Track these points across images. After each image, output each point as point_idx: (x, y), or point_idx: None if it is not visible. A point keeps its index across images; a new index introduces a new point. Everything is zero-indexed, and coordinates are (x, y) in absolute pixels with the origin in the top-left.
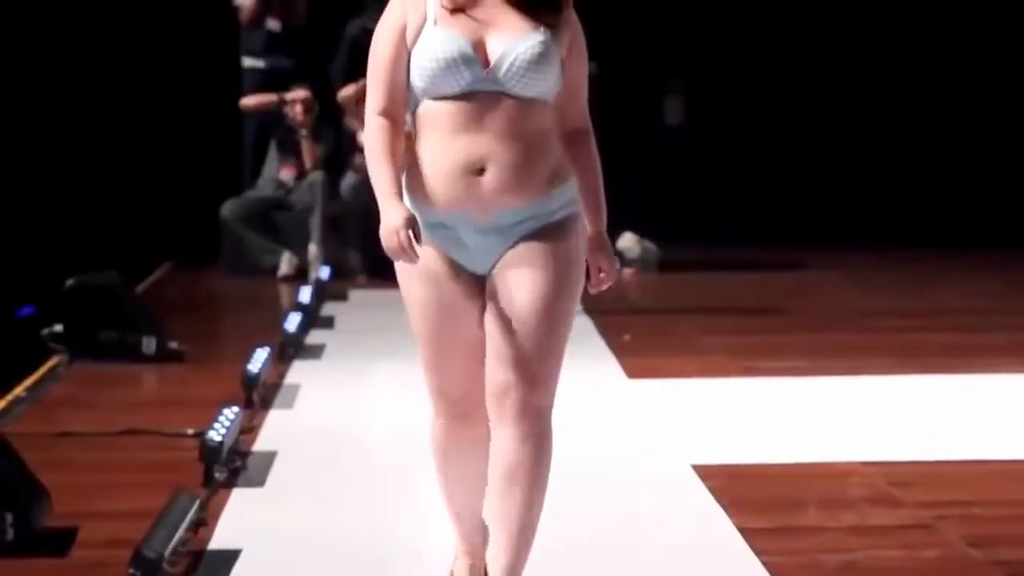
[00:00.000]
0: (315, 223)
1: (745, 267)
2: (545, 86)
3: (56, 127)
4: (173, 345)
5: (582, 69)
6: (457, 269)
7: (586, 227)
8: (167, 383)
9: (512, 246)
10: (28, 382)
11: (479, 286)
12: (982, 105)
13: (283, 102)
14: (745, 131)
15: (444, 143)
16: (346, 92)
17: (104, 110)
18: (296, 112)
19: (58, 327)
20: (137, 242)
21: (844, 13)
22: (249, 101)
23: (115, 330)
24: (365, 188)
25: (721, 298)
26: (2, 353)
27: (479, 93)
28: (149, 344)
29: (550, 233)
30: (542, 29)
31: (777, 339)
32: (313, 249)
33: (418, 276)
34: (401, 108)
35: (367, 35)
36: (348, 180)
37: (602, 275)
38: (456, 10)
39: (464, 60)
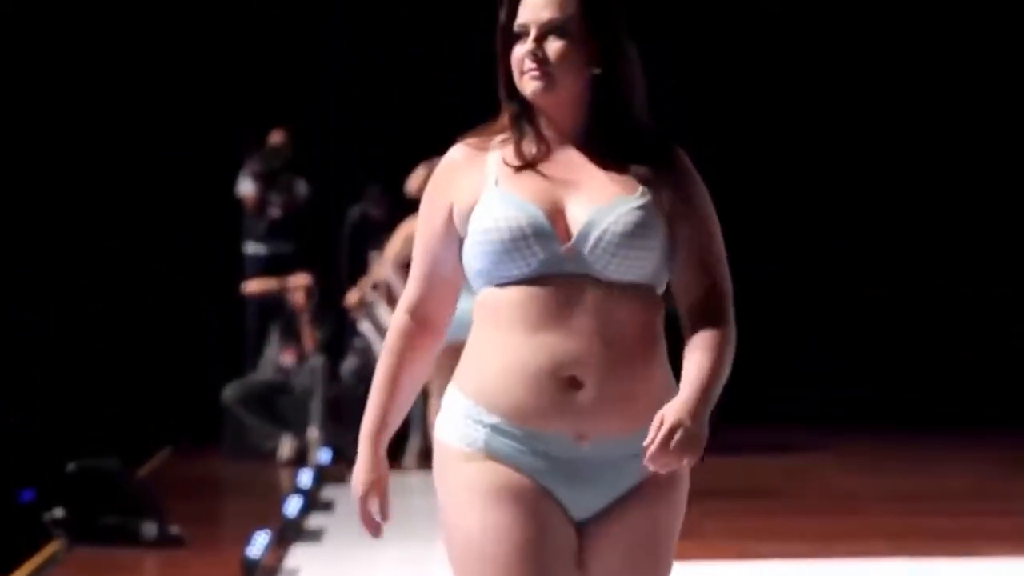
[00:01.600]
0: (315, 406)
1: (733, 449)
2: (647, 267)
3: (57, 311)
4: (174, 530)
5: (703, 229)
6: (552, 505)
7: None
8: (168, 568)
9: (623, 499)
10: (29, 567)
11: (573, 538)
12: (976, 275)
13: (284, 288)
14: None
15: (517, 343)
16: (352, 298)
17: (110, 295)
18: (297, 298)
19: (59, 512)
20: (138, 425)
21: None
22: (252, 287)
23: (116, 515)
24: (366, 372)
25: (714, 481)
26: (3, 537)
27: (557, 277)
28: (150, 529)
29: (662, 488)
30: (640, 190)
31: (773, 522)
32: (313, 432)
33: (492, 499)
34: (441, 308)
35: (367, 221)
36: (349, 364)
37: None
38: (524, 166)
39: (535, 233)
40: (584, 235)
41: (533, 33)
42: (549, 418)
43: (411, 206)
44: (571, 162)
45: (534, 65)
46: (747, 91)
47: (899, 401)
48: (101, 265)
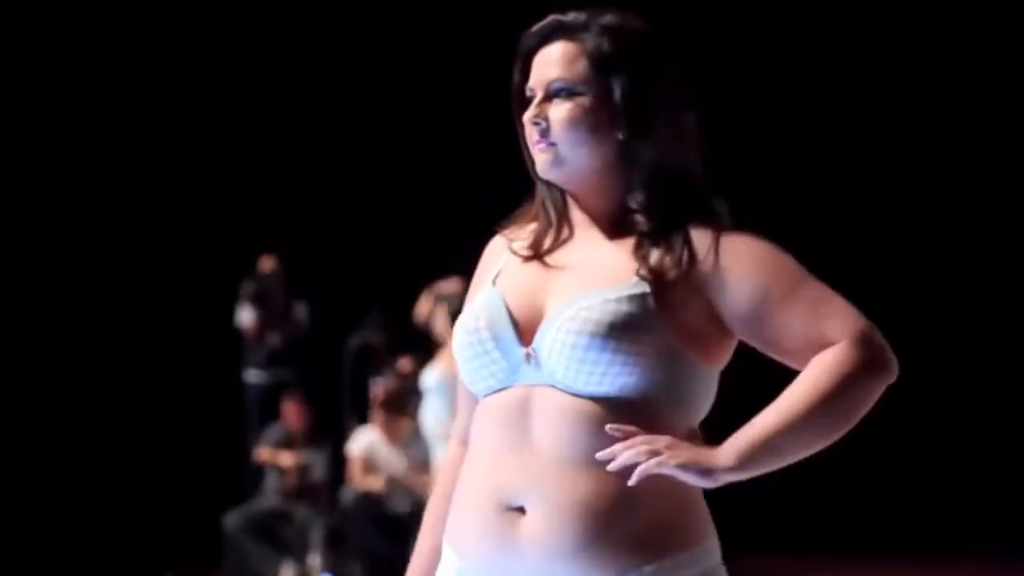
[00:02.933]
0: (316, 534)
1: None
2: (630, 375)
3: (54, 439)
4: None
5: (783, 297)
6: None
7: None
8: None
9: None
10: None
11: None
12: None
13: (292, 467)
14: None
15: (473, 469)
16: (354, 452)
17: (102, 419)
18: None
19: None
20: (139, 551)
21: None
22: (265, 456)
23: None
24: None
25: None
26: None
27: (521, 388)
28: None
29: None
30: (638, 276)
31: None
32: (314, 559)
33: None
34: None
35: (368, 350)
36: (348, 492)
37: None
38: (532, 257)
39: (495, 336)
40: (541, 335)
41: (539, 96)
42: (491, 561)
43: (417, 334)
44: (589, 249)
45: (537, 136)
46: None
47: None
48: (101, 393)
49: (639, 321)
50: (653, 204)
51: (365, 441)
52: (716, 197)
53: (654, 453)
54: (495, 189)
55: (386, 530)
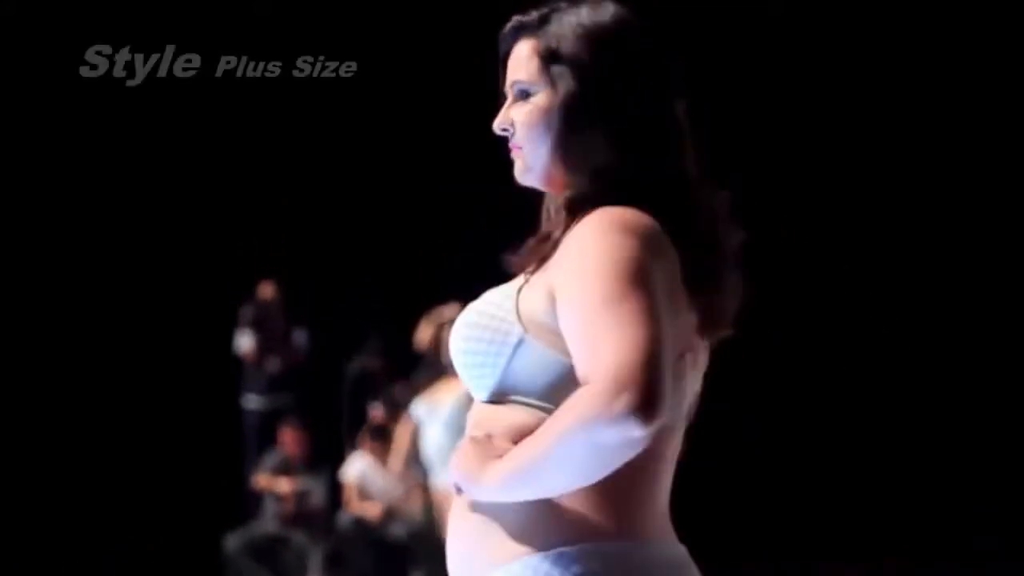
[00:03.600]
0: (314, 559)
1: None
2: (488, 376)
3: (56, 458)
4: None
5: (567, 301)
6: None
7: None
8: None
9: None
10: None
11: None
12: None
13: (290, 495)
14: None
15: None
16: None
17: (102, 444)
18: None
19: None
20: (137, 573)
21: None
22: (263, 483)
23: None
24: (361, 526)
25: None
26: None
27: None
28: None
29: None
30: (526, 273)
31: None
32: None
33: None
34: None
35: (367, 374)
36: (345, 517)
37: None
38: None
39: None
40: None
41: (508, 101)
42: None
43: (419, 361)
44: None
45: (510, 143)
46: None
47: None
48: (101, 416)
49: (498, 317)
50: (572, 202)
51: (358, 468)
52: (704, 186)
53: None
54: (493, 213)
55: (383, 555)
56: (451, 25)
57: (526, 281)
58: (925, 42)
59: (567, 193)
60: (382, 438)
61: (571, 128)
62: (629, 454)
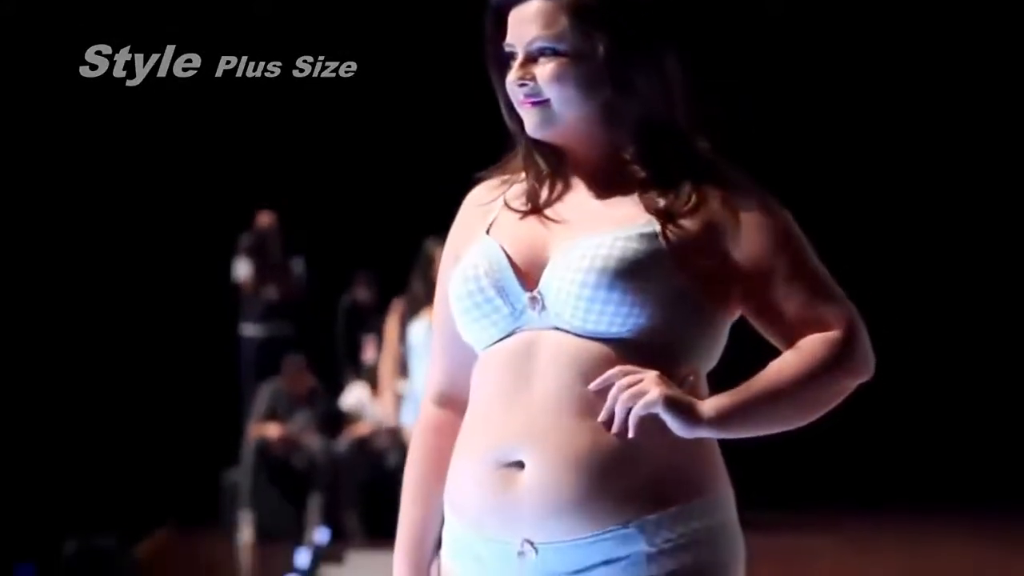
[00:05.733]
0: (314, 486)
1: None
2: (639, 315)
3: (57, 385)
4: None
5: (775, 253)
6: None
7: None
8: None
9: None
10: None
11: None
12: (966, 368)
13: (288, 442)
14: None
15: (473, 421)
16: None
17: (104, 371)
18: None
19: None
20: (136, 503)
21: None
22: (255, 432)
23: None
24: (361, 452)
25: None
26: None
27: (524, 334)
28: None
29: None
30: (644, 219)
31: None
32: (312, 512)
33: None
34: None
35: (358, 308)
36: (342, 445)
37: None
38: (531, 211)
39: (496, 283)
40: (548, 277)
41: (520, 57)
42: (487, 518)
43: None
44: (589, 200)
45: (522, 96)
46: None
47: (897, 479)
48: (101, 344)
49: (649, 260)
50: (647, 153)
51: (355, 398)
52: (702, 137)
53: (640, 394)
54: (489, 147)
55: (381, 482)
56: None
57: (663, 228)
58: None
59: (630, 149)
60: (375, 371)
61: (618, 87)
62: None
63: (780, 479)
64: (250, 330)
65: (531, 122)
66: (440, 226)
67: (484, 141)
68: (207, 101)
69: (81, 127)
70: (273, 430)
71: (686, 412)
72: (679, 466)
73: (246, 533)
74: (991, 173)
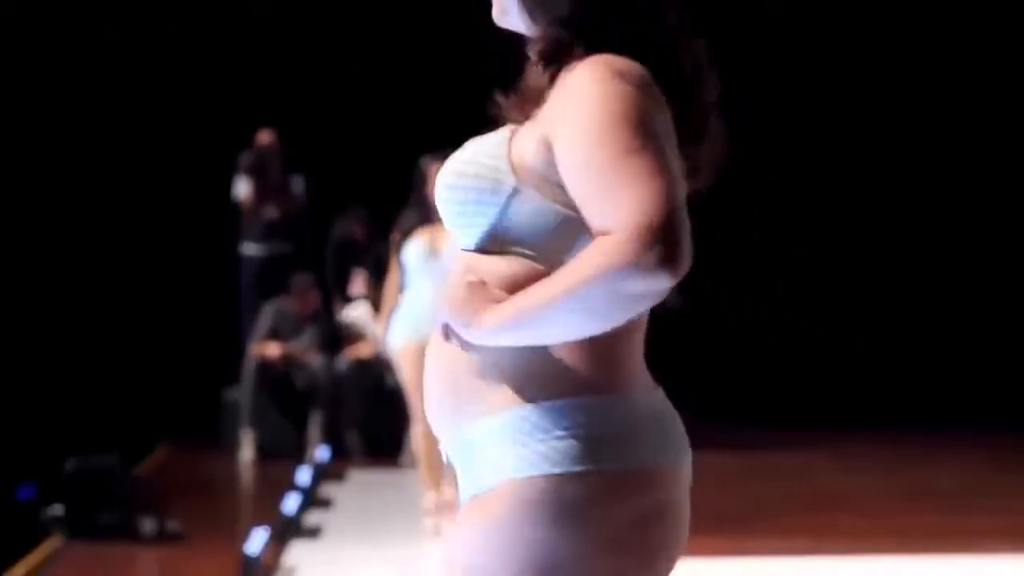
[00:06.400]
0: (315, 404)
1: (729, 447)
2: (479, 227)
3: (57, 307)
4: (172, 526)
5: (580, 157)
6: None
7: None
8: (166, 564)
9: None
10: (28, 563)
11: None
12: (962, 288)
13: (287, 359)
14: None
15: None
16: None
17: (105, 291)
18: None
19: (57, 508)
20: (136, 421)
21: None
22: (256, 350)
23: (114, 512)
24: (365, 369)
25: (709, 477)
26: (2, 533)
27: None
28: (148, 526)
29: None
30: (513, 123)
31: (766, 519)
32: (313, 430)
33: None
34: None
35: (350, 241)
36: (341, 364)
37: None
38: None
39: None
40: None
41: None
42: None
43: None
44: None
45: None
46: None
47: (892, 400)
48: (100, 263)
49: (489, 164)
50: (542, 51)
51: (356, 314)
52: (681, 36)
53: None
54: (495, 74)
55: (381, 401)
56: None
57: (515, 131)
58: None
59: (536, 43)
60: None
61: None
62: (649, 305)
63: (780, 399)
64: (250, 249)
65: (494, 10)
66: (437, 146)
67: (487, 63)
68: (208, 18)
69: (81, 44)
70: (273, 349)
71: (466, 321)
72: (557, 365)
73: (247, 451)
74: (989, 104)
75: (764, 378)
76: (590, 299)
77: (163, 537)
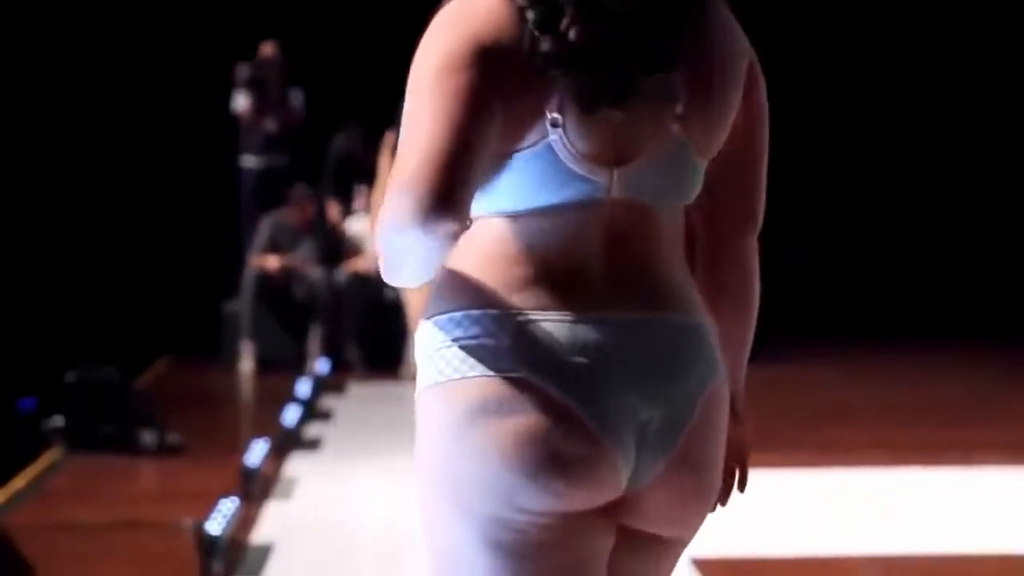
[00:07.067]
0: (315, 317)
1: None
2: None
3: (57, 220)
4: (172, 438)
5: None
6: None
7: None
8: (166, 476)
9: None
10: (28, 474)
11: None
12: (968, 203)
13: (287, 271)
14: None
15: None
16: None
17: (104, 204)
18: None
19: (58, 420)
20: (137, 334)
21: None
22: (256, 263)
23: (115, 424)
24: (364, 282)
25: None
26: (2, 446)
27: None
28: (149, 438)
29: None
30: None
31: (773, 432)
32: (313, 342)
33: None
34: None
35: (350, 156)
36: (341, 275)
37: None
38: None
39: None
40: None
41: None
42: None
43: None
44: None
45: None
46: None
47: (900, 314)
48: (101, 176)
49: None
50: None
51: (356, 228)
52: None
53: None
54: None
55: (380, 314)
56: None
57: None
58: None
59: None
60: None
61: None
62: (437, 252)
63: (787, 312)
64: (249, 161)
65: None
66: None
67: None
68: None
69: None
70: (272, 261)
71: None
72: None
73: (247, 363)
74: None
75: (771, 291)
76: (388, 249)
77: (163, 449)
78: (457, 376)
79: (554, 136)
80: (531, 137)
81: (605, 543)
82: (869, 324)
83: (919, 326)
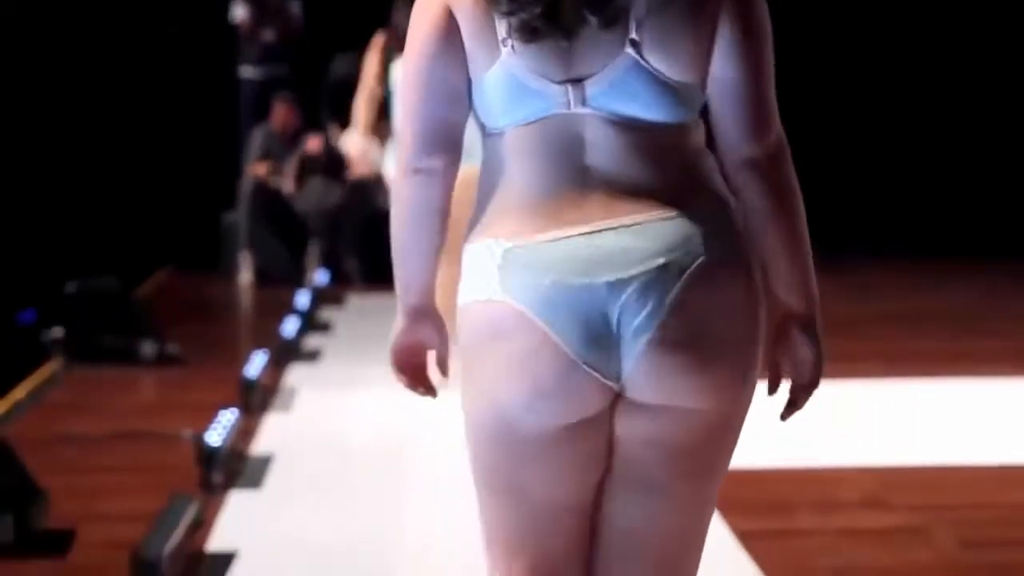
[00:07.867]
0: (314, 228)
1: None
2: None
3: (55, 132)
4: (172, 350)
5: None
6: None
7: None
8: (166, 387)
9: None
10: (28, 386)
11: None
12: (967, 118)
13: (275, 180)
14: None
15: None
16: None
17: (103, 116)
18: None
19: (58, 331)
20: (137, 245)
21: (834, 31)
22: (252, 171)
23: (115, 335)
24: (362, 194)
25: None
26: (2, 357)
27: None
28: (148, 349)
29: None
30: None
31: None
32: (311, 254)
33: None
34: None
35: (348, 82)
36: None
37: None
38: None
39: None
40: None
41: None
42: None
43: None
44: None
45: None
46: None
47: (898, 225)
48: (101, 88)
49: None
50: None
51: (351, 142)
52: None
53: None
54: None
55: (379, 227)
56: None
57: None
58: None
59: None
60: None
61: None
62: (421, 191)
63: None
64: (248, 72)
65: None
66: None
67: None
68: None
69: None
70: (260, 168)
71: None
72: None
73: (245, 275)
74: None
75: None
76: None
77: (163, 360)
78: (469, 300)
79: (505, 53)
80: (493, 60)
81: (607, 430)
82: (869, 238)
83: (915, 238)
